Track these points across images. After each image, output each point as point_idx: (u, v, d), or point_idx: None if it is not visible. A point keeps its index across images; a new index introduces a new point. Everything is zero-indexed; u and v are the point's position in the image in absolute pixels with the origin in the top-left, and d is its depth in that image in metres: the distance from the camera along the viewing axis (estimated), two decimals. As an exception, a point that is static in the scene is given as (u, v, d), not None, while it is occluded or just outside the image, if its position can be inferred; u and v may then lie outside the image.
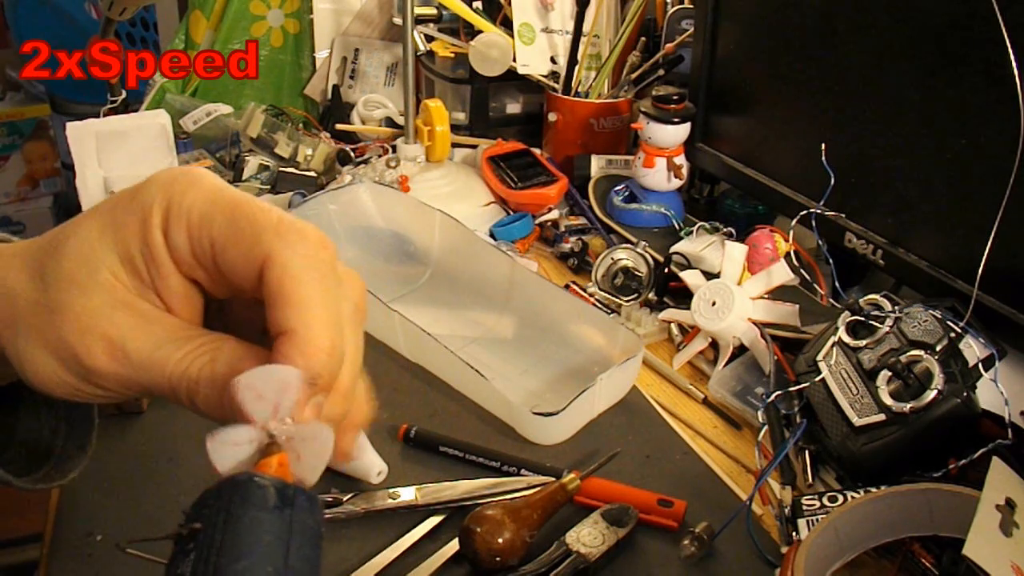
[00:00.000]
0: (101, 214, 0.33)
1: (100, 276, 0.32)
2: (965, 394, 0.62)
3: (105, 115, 1.19)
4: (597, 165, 1.15)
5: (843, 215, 0.86)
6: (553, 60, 1.22)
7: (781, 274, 0.82)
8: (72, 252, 0.32)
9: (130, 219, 0.32)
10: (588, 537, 0.61)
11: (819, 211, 0.85)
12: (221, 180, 0.33)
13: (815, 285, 0.89)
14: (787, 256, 0.87)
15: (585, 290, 0.95)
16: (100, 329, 0.31)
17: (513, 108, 1.29)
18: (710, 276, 0.87)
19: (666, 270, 0.93)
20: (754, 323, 0.81)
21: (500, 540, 0.58)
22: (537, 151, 1.18)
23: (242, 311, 0.36)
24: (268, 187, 1.13)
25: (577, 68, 1.17)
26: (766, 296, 0.83)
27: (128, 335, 0.32)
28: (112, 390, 0.33)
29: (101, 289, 0.32)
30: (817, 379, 0.70)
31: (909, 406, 0.63)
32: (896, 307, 0.70)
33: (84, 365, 0.32)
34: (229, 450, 0.28)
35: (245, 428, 0.29)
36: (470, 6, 1.22)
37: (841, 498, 0.62)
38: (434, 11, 1.25)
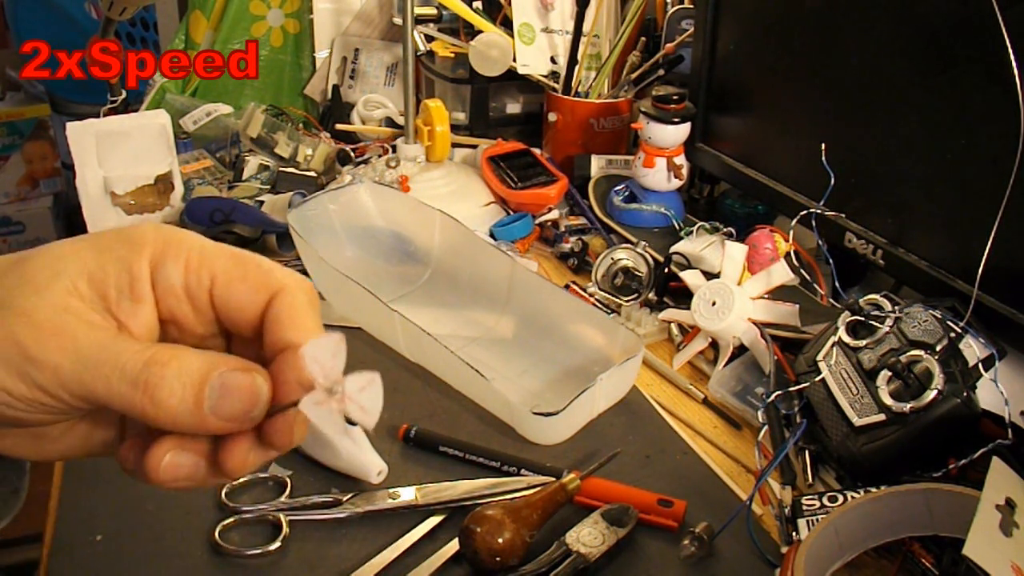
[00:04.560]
0: (81, 238, 0.34)
1: (59, 283, 0.32)
2: (965, 394, 0.62)
3: (105, 115, 1.19)
4: (597, 165, 1.15)
5: (843, 215, 0.86)
6: (553, 60, 1.22)
7: (781, 274, 0.82)
8: (38, 259, 0.33)
9: (115, 246, 0.33)
10: (588, 537, 0.61)
11: (819, 211, 0.85)
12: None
13: (815, 285, 0.89)
14: (787, 256, 0.87)
15: (585, 290, 0.95)
16: (51, 324, 0.31)
17: (513, 108, 1.29)
18: (710, 276, 0.87)
19: (666, 270, 0.93)
20: (754, 323, 0.81)
21: (500, 540, 0.58)
22: (537, 151, 1.18)
23: None
24: (268, 187, 1.13)
25: (577, 68, 1.17)
26: (766, 296, 0.83)
27: (79, 331, 0.32)
28: (49, 393, 0.31)
29: (56, 294, 0.32)
30: (817, 379, 0.70)
31: (909, 406, 0.63)
32: (896, 307, 0.70)
33: (29, 354, 0.31)
34: (318, 412, 0.31)
35: (317, 391, 0.31)
36: (470, 6, 1.22)
37: (841, 498, 0.62)
38: (434, 11, 1.25)
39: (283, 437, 0.33)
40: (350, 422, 0.75)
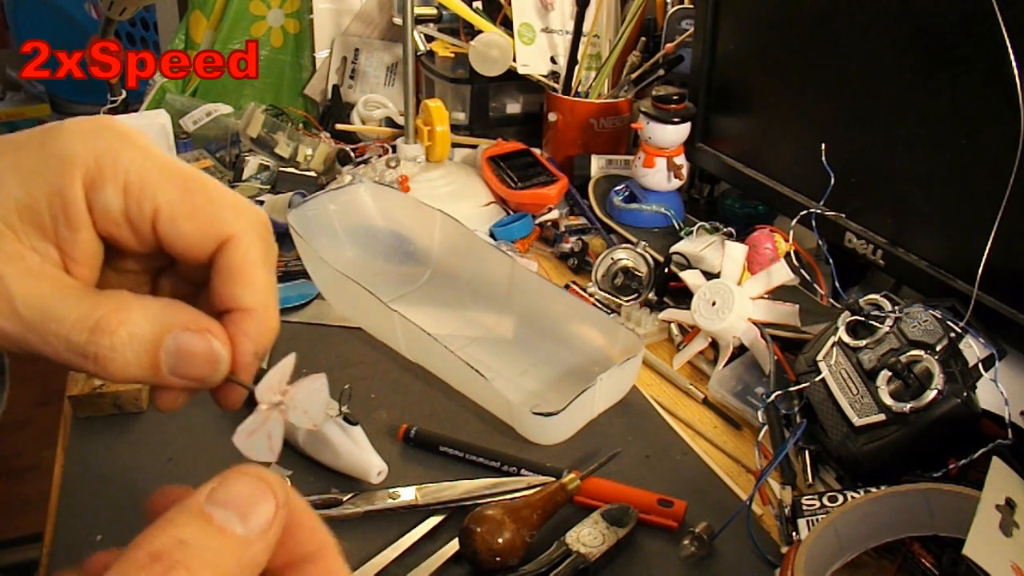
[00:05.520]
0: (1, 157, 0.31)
1: None
2: (965, 394, 0.62)
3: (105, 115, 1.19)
4: (597, 165, 1.15)
5: (843, 215, 0.86)
6: (553, 60, 1.22)
7: (781, 274, 0.82)
8: None
9: (42, 168, 0.30)
10: (588, 537, 0.61)
11: (819, 211, 0.85)
12: (150, 140, 0.32)
13: (815, 285, 0.89)
14: (787, 256, 0.87)
15: (585, 290, 0.95)
16: None
17: (513, 108, 1.29)
18: (710, 276, 0.87)
19: (666, 270, 0.93)
20: (754, 323, 0.81)
21: (500, 540, 0.58)
22: (537, 151, 1.18)
23: (137, 262, 0.35)
24: (268, 187, 1.13)
25: (577, 68, 1.17)
26: (766, 296, 0.83)
27: (14, 288, 0.29)
28: (11, 348, 0.30)
29: None
30: (817, 379, 0.70)
31: (909, 406, 0.63)
32: (896, 307, 0.70)
33: None
34: (256, 440, 0.31)
35: (256, 414, 0.31)
36: (470, 6, 1.22)
37: (841, 498, 0.62)
38: (434, 11, 1.25)
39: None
40: (349, 421, 0.75)
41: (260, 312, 0.32)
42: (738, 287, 0.82)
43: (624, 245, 0.97)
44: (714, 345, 0.85)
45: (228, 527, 0.26)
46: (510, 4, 1.21)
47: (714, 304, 0.82)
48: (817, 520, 0.60)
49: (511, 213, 1.11)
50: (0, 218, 0.30)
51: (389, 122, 1.32)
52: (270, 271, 0.33)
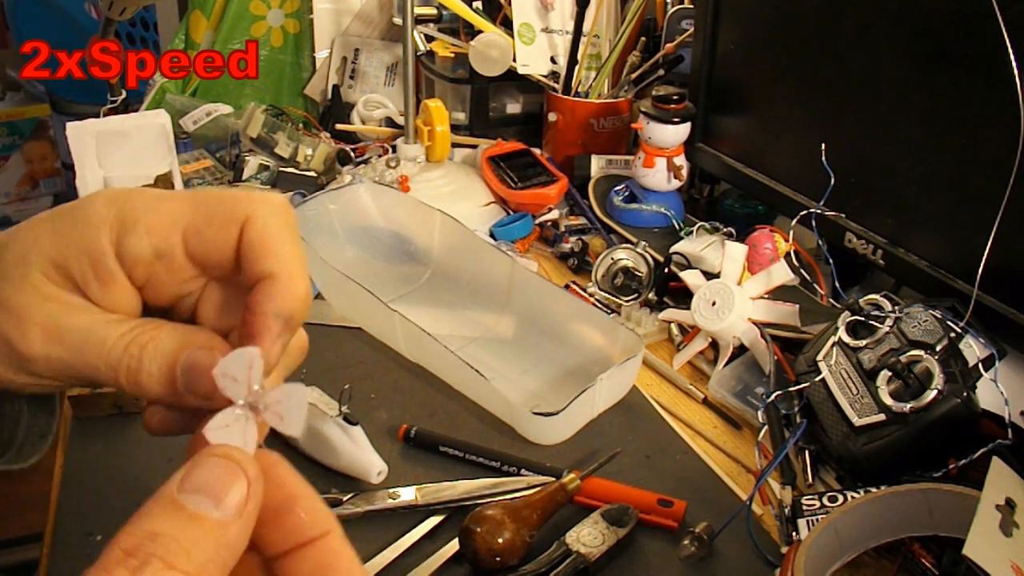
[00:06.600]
0: (39, 222, 0.35)
1: (31, 274, 0.33)
2: (965, 394, 0.62)
3: (105, 115, 1.19)
4: (597, 165, 1.15)
5: (843, 215, 0.86)
6: (553, 60, 1.22)
7: (781, 274, 0.82)
8: (9, 251, 0.34)
9: (71, 230, 0.33)
10: (588, 537, 0.61)
11: (819, 211, 0.85)
12: (162, 191, 0.35)
13: (815, 285, 0.89)
14: (787, 256, 0.87)
15: (585, 290, 0.95)
16: (34, 318, 0.33)
17: (513, 108, 1.29)
18: (710, 276, 0.87)
19: (666, 270, 0.93)
20: (754, 323, 0.81)
21: (500, 540, 0.58)
22: (537, 151, 1.18)
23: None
24: (268, 187, 1.13)
25: (577, 68, 1.17)
26: (766, 296, 0.83)
27: (63, 319, 0.33)
28: (47, 378, 0.34)
29: (32, 287, 0.33)
30: (817, 379, 0.70)
31: (909, 406, 0.63)
32: (896, 307, 0.70)
33: (18, 351, 0.33)
34: (224, 434, 0.30)
35: (229, 410, 0.30)
36: (470, 6, 1.22)
37: (841, 498, 0.62)
38: (434, 11, 1.25)
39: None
40: (349, 421, 0.75)
41: (283, 277, 0.33)
42: (738, 287, 0.82)
43: (624, 245, 0.97)
44: (714, 345, 0.85)
45: (201, 512, 0.27)
46: (510, 4, 1.21)
47: (714, 304, 0.82)
48: (817, 520, 0.60)
49: (511, 213, 1.11)
50: (41, 270, 0.33)
51: (389, 122, 1.32)
52: (293, 242, 0.34)
